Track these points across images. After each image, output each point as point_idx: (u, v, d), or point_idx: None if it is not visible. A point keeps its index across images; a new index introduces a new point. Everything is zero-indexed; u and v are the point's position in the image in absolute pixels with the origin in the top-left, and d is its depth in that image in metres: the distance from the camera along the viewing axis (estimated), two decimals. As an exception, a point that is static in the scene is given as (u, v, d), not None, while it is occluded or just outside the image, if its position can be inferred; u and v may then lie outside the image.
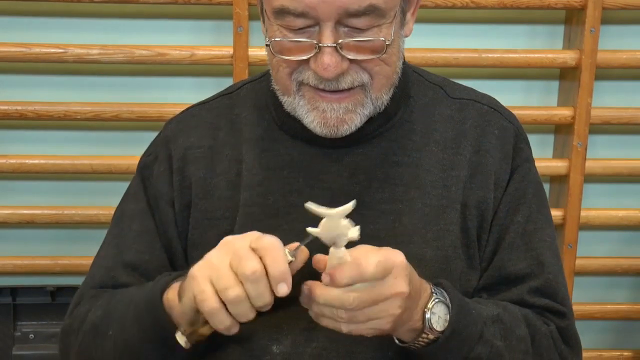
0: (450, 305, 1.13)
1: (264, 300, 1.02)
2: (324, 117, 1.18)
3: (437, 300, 1.12)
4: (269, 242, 1.03)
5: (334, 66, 1.13)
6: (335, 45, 1.13)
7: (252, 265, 1.01)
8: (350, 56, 1.14)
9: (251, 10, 2.06)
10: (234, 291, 1.02)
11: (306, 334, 1.19)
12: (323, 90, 1.17)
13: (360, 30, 1.14)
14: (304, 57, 1.15)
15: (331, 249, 1.05)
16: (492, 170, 1.27)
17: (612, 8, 2.12)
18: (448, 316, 1.12)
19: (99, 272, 1.31)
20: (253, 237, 1.05)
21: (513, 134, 1.30)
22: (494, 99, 1.36)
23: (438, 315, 1.12)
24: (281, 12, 1.13)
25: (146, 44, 2.12)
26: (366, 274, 1.02)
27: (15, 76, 2.19)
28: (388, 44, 1.15)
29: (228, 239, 1.08)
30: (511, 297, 1.25)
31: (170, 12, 2.16)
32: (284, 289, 1.02)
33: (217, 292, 1.03)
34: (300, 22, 1.13)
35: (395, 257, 1.05)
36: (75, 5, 2.11)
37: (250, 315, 1.04)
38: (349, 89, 1.17)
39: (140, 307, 1.16)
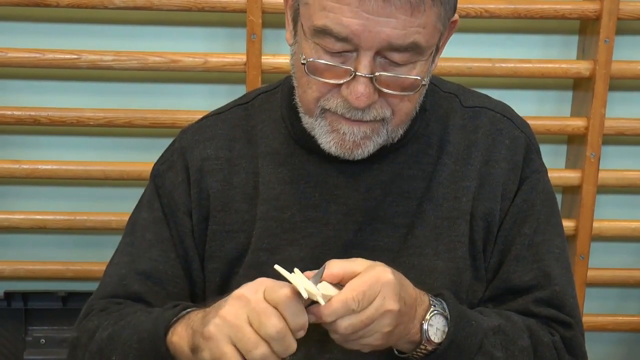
0: (449, 316, 1.13)
1: (290, 351, 1.01)
2: (342, 139, 1.18)
3: (435, 312, 1.13)
4: (285, 296, 1.01)
5: (366, 96, 1.12)
6: (371, 76, 1.12)
7: (275, 324, 0.99)
8: (383, 89, 1.13)
9: (265, 18, 2.06)
10: (260, 351, 1.00)
11: (319, 346, 1.19)
12: (348, 119, 1.16)
13: (395, 64, 1.13)
14: (338, 82, 1.14)
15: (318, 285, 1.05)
16: (500, 182, 1.27)
17: (627, 18, 2.12)
18: (446, 328, 1.13)
19: (110, 281, 1.30)
20: (265, 287, 1.03)
21: (524, 144, 1.30)
22: (508, 106, 1.35)
23: (436, 327, 1.13)
24: (322, 32, 1.11)
25: (159, 50, 2.12)
26: (351, 307, 1.03)
27: (29, 82, 2.20)
28: (424, 84, 1.15)
29: (239, 292, 1.04)
30: (516, 307, 1.25)
31: (183, 19, 2.16)
32: (301, 335, 1.02)
33: (241, 354, 1.01)
34: (339, 46, 1.11)
35: (382, 277, 1.06)
36: (89, 11, 2.12)
37: None
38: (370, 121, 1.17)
39: (143, 342, 1.15)
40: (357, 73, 1.12)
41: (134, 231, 1.33)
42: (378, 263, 1.09)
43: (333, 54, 1.13)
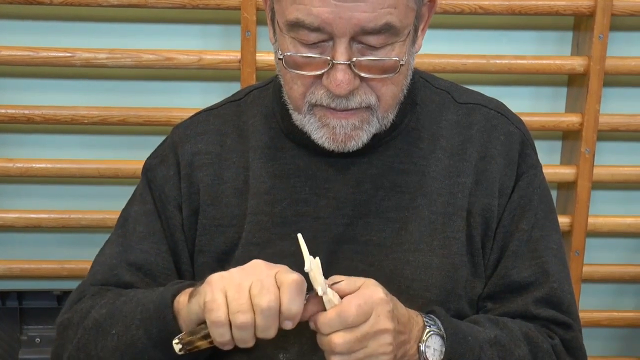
0: (444, 335, 1.13)
1: (268, 334, 1.04)
2: (333, 133, 1.19)
3: (431, 333, 1.13)
4: (293, 280, 1.03)
5: (346, 83, 1.13)
6: (349, 62, 1.13)
7: (269, 299, 1.02)
8: (363, 74, 1.14)
9: (259, 15, 2.06)
10: (244, 317, 1.02)
11: (312, 343, 1.19)
12: (334, 109, 1.17)
13: (373, 48, 1.13)
14: (317, 73, 1.15)
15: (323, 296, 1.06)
16: (497, 177, 1.27)
17: (621, 14, 2.12)
18: (443, 348, 1.13)
19: (101, 269, 1.30)
20: (281, 269, 1.06)
21: (519, 140, 1.30)
22: (502, 103, 1.36)
23: (433, 348, 1.13)
24: (295, 25, 1.13)
25: (154, 48, 2.12)
26: (348, 320, 1.04)
27: (23, 80, 2.20)
28: (402, 64, 1.16)
29: (258, 262, 1.08)
30: (516, 308, 1.25)
31: (178, 16, 2.16)
32: (288, 326, 1.04)
33: (228, 309, 1.03)
34: (314, 37, 1.13)
35: (374, 295, 1.07)
36: (83, 9, 2.12)
37: (250, 342, 1.05)
38: (357, 108, 1.17)
39: (148, 311, 1.15)
40: (334, 61, 1.13)
41: (125, 224, 1.33)
42: (370, 281, 1.09)
43: (310, 45, 1.14)
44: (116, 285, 1.28)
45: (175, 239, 1.30)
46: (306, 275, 1.06)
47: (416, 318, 1.14)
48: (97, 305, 1.23)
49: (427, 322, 1.14)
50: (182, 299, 1.13)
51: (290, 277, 1.03)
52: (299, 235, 1.08)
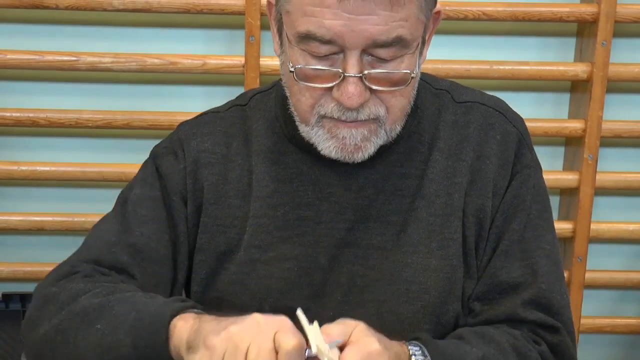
0: None
1: None
2: (343, 143, 1.18)
3: None
4: (292, 347, 0.97)
5: (358, 95, 1.13)
6: (360, 75, 1.12)
7: None
8: (373, 86, 1.14)
9: (263, 20, 2.07)
10: None
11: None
12: (344, 121, 1.16)
13: (384, 61, 1.13)
14: (328, 85, 1.14)
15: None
16: (491, 178, 1.26)
17: (624, 21, 2.12)
18: None
19: (97, 245, 1.27)
20: (281, 327, 0.99)
21: (516, 139, 1.29)
22: (502, 101, 1.35)
23: None
24: (307, 38, 1.12)
25: (158, 52, 2.13)
26: None
27: (28, 83, 2.20)
28: (413, 77, 1.16)
29: (259, 318, 1.01)
30: (504, 310, 1.23)
31: (182, 21, 2.17)
32: None
33: None
34: (325, 49, 1.12)
35: (369, 348, 1.02)
36: (88, 13, 2.12)
37: None
38: (365, 120, 1.17)
39: (142, 321, 1.11)
40: (345, 74, 1.12)
41: (125, 205, 1.30)
42: (360, 328, 1.04)
43: (320, 58, 1.13)
44: (111, 265, 1.24)
45: (178, 231, 1.29)
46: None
47: (402, 349, 1.10)
48: (90, 292, 1.18)
49: (411, 350, 1.11)
50: (179, 325, 1.08)
51: (289, 342, 0.97)
52: (299, 312, 1.02)
